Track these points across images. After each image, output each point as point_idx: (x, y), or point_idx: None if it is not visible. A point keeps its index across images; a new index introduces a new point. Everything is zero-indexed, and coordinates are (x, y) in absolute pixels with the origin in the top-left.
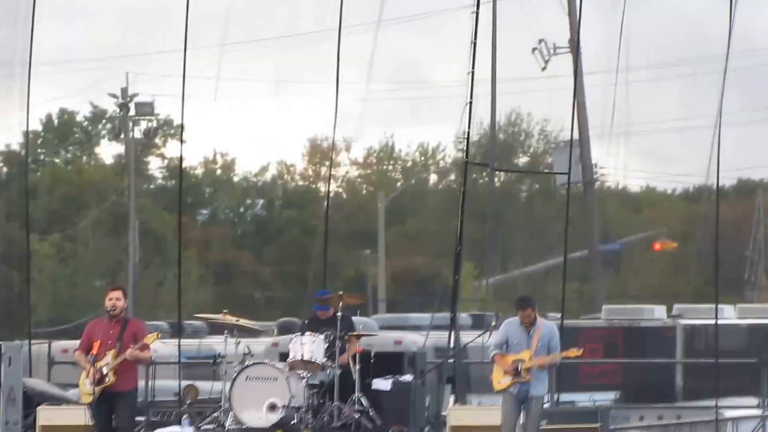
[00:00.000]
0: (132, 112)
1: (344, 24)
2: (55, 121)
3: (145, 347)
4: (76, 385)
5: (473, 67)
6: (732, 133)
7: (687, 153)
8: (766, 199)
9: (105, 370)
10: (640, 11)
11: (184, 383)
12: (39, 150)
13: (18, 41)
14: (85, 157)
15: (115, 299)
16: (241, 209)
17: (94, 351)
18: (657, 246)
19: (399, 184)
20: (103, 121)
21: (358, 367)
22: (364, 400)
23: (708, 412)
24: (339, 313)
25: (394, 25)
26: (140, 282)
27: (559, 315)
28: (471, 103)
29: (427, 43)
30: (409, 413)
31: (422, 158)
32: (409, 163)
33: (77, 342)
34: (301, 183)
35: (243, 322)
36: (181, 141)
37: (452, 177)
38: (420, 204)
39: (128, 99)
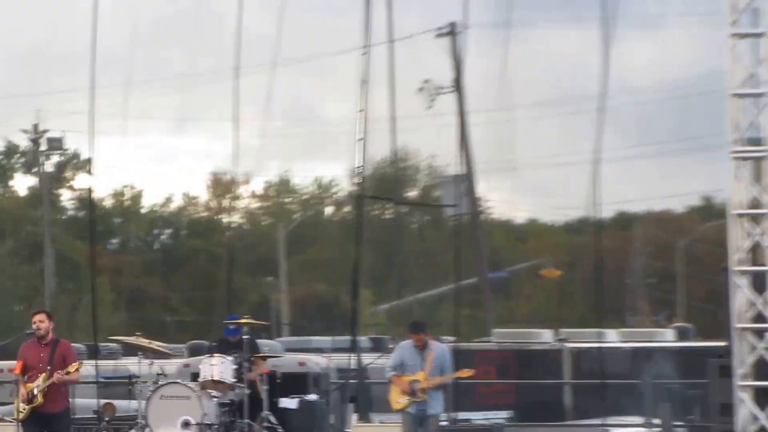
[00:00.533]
0: (43, 146)
1: (242, 64)
2: None
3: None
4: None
5: (365, 106)
6: (610, 168)
7: (568, 187)
8: (643, 231)
9: (35, 391)
10: (520, 52)
11: (102, 401)
12: None
13: None
14: (0, 189)
15: (38, 321)
16: (149, 238)
17: (20, 372)
18: (543, 274)
19: (297, 215)
20: (17, 155)
21: (266, 387)
22: (272, 418)
23: (595, 430)
24: (246, 337)
25: (290, 65)
26: (56, 306)
27: (452, 338)
28: (363, 139)
29: (321, 82)
30: (314, 430)
31: (318, 191)
32: (306, 196)
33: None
34: (204, 214)
35: (155, 344)
36: (90, 173)
37: (347, 209)
38: (318, 234)
39: (39, 134)
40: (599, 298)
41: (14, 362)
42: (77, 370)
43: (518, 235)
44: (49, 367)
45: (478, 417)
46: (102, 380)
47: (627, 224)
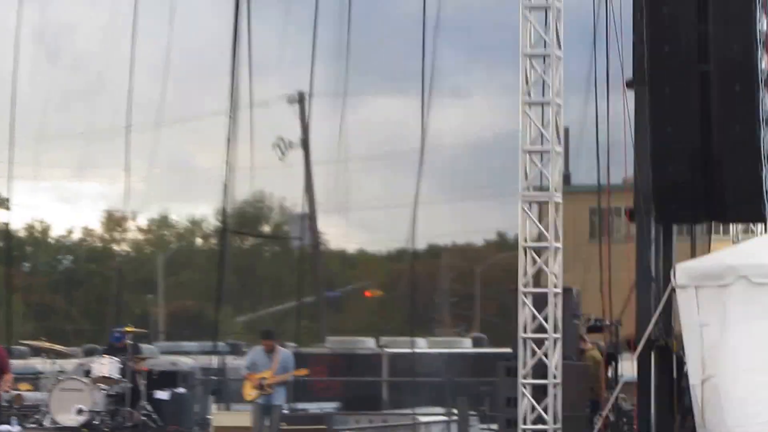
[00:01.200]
0: None
1: (133, 122)
2: None
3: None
4: None
5: (230, 158)
6: (425, 209)
7: (391, 224)
8: (450, 260)
9: None
10: (355, 115)
11: (13, 393)
12: None
13: None
14: None
15: None
16: (54, 263)
17: None
18: (368, 293)
19: (173, 245)
20: None
21: (144, 382)
22: (148, 407)
23: (407, 418)
24: (129, 342)
25: (171, 124)
26: None
27: (294, 344)
28: (227, 185)
29: (196, 138)
30: (182, 417)
31: (191, 226)
32: (181, 230)
33: None
34: (99, 244)
35: (56, 347)
36: (8, 209)
37: (213, 240)
38: (190, 260)
39: None
40: (412, 312)
41: None
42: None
43: (349, 263)
44: None
45: (312, 407)
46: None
47: (437, 254)
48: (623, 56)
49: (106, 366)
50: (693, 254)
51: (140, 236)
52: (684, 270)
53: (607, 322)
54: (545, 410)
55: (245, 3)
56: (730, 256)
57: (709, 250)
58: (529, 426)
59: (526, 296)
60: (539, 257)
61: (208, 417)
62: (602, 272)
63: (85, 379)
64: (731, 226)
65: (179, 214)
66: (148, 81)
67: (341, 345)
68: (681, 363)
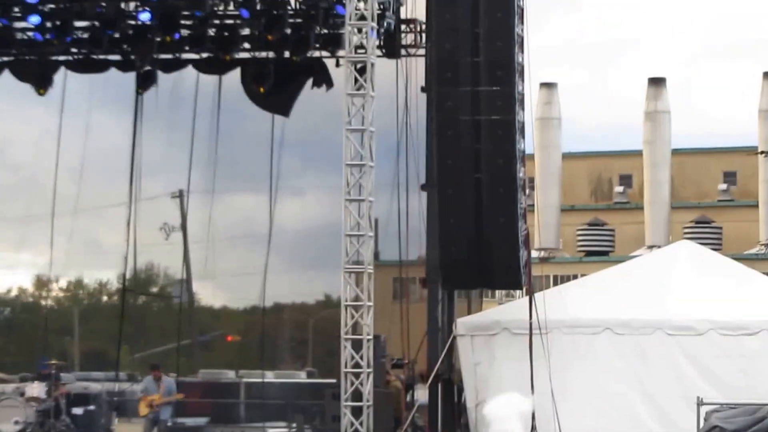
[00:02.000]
0: None
1: (56, 211)
2: None
3: None
4: None
5: (127, 237)
6: (271, 277)
7: (248, 287)
8: (289, 314)
9: None
10: (222, 206)
11: None
12: None
13: None
14: None
15: None
16: None
17: None
18: (229, 338)
19: (85, 301)
20: None
21: (64, 401)
22: (67, 420)
23: (258, 430)
24: (53, 371)
25: (84, 211)
26: None
27: (174, 375)
28: (126, 257)
29: (103, 222)
30: (93, 428)
31: (99, 287)
32: (91, 290)
33: None
34: (30, 299)
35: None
36: None
37: (116, 298)
38: (98, 312)
39: None
40: (262, 352)
41: None
42: None
43: (215, 316)
44: None
45: (189, 421)
46: None
47: (280, 310)
48: (419, 166)
49: (36, 388)
50: (469, 311)
51: (61, 294)
52: (462, 323)
53: (406, 361)
54: (361, 425)
55: (140, 120)
56: (496, 313)
57: (480, 309)
58: None
59: (346, 341)
60: (356, 312)
61: (112, 428)
62: (402, 324)
63: (19, 399)
64: (497, 292)
65: (90, 279)
66: (68, 179)
67: (210, 375)
68: (460, 391)
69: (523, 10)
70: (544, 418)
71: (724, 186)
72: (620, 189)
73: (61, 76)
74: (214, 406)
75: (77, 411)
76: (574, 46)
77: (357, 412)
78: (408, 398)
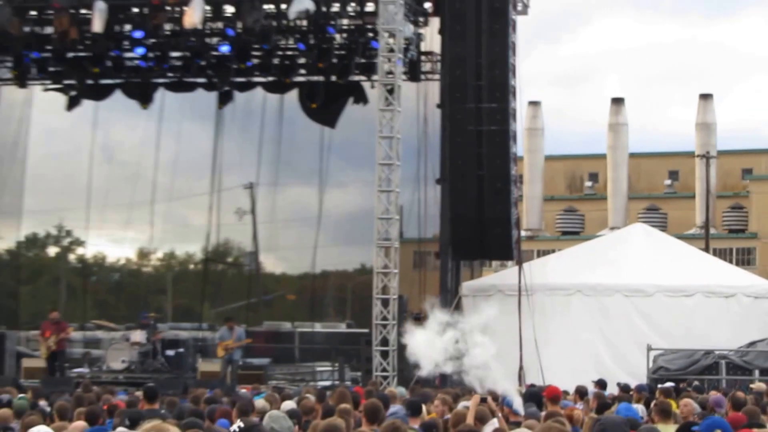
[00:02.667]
0: None
1: (156, 198)
2: None
3: None
4: None
5: (209, 219)
6: (320, 251)
7: (302, 258)
8: (334, 279)
9: None
10: (282, 195)
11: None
12: None
13: None
14: None
15: None
16: (109, 277)
17: None
18: (288, 297)
19: (177, 268)
20: None
21: (160, 345)
22: (162, 360)
23: (309, 367)
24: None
25: (177, 199)
26: None
27: (245, 325)
28: (209, 234)
29: (191, 207)
30: (182, 366)
31: (187, 257)
32: (181, 260)
33: None
34: (134, 267)
35: (110, 324)
36: (84, 246)
37: (200, 266)
38: (186, 277)
39: None
40: (312, 308)
41: None
42: None
43: (277, 280)
44: None
45: (255, 361)
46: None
47: (327, 276)
48: (434, 165)
49: (138, 335)
50: (472, 277)
51: (158, 263)
52: (466, 286)
53: (423, 315)
54: (387, 364)
55: (220, 129)
56: (492, 279)
57: (480, 275)
58: (379, 373)
59: (377, 300)
60: (385, 278)
61: (197, 366)
62: (420, 287)
63: (125, 343)
64: (494, 262)
65: (180, 251)
66: (163, 174)
67: (272, 326)
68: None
69: (515, 44)
70: (530, 361)
71: (668, 182)
72: (589, 184)
73: (160, 94)
74: (275, 350)
75: (170, 353)
76: (554, 72)
77: (385, 354)
78: None
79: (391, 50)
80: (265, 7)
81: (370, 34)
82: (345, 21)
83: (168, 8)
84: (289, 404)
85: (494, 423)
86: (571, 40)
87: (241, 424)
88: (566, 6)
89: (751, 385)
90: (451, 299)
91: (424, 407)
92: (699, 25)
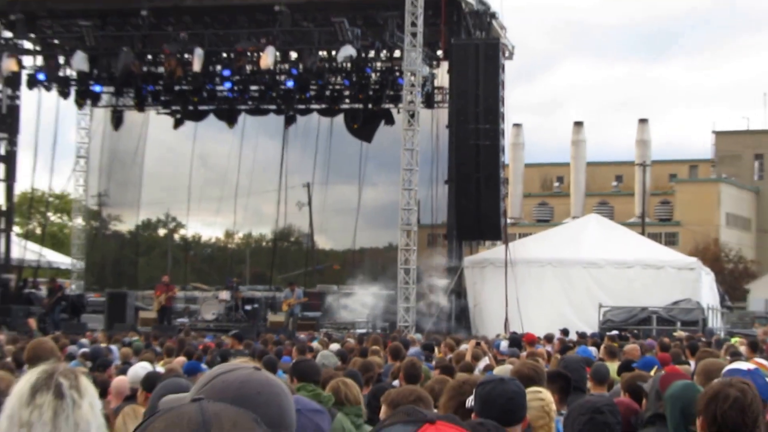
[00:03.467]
0: None
1: (237, 194)
2: None
3: None
4: None
5: (278, 208)
6: (359, 232)
7: (345, 238)
8: (369, 255)
9: None
10: (331, 192)
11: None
12: None
13: None
14: None
15: None
16: (203, 252)
17: None
18: (335, 267)
19: (253, 245)
20: None
21: (240, 301)
22: (242, 313)
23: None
24: (234, 284)
25: (253, 195)
26: None
27: (303, 287)
28: (277, 220)
29: (265, 202)
30: (256, 317)
31: (261, 237)
32: (257, 239)
33: None
34: (222, 245)
35: (203, 286)
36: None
37: (270, 245)
38: (260, 251)
39: None
40: (353, 275)
41: None
42: None
43: (326, 255)
44: None
45: (310, 314)
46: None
47: (363, 252)
48: (444, 170)
49: (224, 294)
50: (471, 253)
51: (239, 241)
52: (467, 260)
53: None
54: (409, 317)
55: (286, 143)
56: (486, 254)
57: (477, 251)
58: (402, 324)
59: (401, 269)
60: (407, 253)
61: (267, 317)
62: (432, 260)
63: (215, 300)
64: (487, 242)
65: (255, 233)
66: (244, 176)
67: (322, 288)
68: (465, 297)
69: (503, 81)
70: (513, 315)
71: (615, 183)
72: (557, 184)
73: (242, 117)
74: (325, 306)
75: (247, 307)
76: (532, 102)
77: (406, 310)
78: None
79: (413, 85)
80: (320, 53)
81: (397, 73)
82: (378, 64)
83: (248, 54)
84: (335, 346)
85: (486, 360)
86: (544, 78)
87: (299, 359)
88: (541, 52)
89: (675, 333)
90: (456, 271)
91: (436, 349)
92: (639, 66)
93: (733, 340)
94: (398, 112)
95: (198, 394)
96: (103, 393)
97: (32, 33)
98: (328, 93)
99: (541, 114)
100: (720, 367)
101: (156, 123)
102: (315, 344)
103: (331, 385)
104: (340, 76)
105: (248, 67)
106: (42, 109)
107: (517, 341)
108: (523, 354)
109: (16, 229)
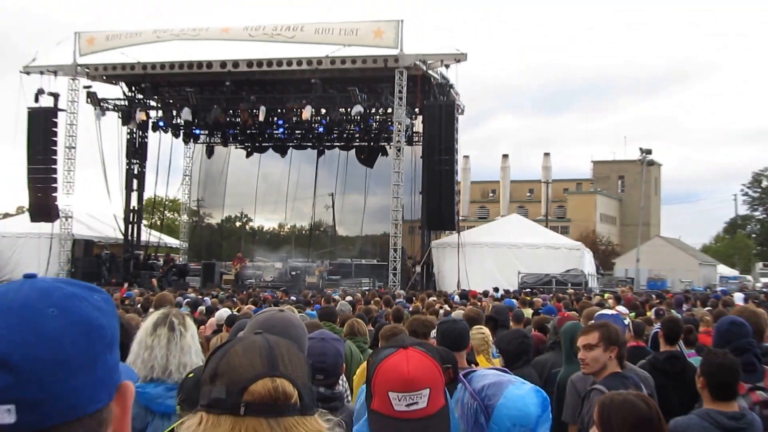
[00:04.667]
0: None
1: (288, 199)
2: None
3: None
4: None
5: (313, 210)
6: (366, 226)
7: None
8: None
9: None
10: (347, 199)
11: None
12: None
13: None
14: None
15: None
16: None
17: None
18: (349, 248)
19: (296, 233)
20: None
21: (289, 267)
22: (291, 276)
23: (357, 281)
24: (285, 258)
25: (298, 200)
26: None
27: (328, 260)
28: (312, 215)
29: (306, 206)
30: (300, 280)
31: (296, 227)
32: (290, 229)
33: None
34: (269, 236)
35: (261, 260)
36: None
37: (307, 233)
38: (291, 239)
39: None
40: (360, 252)
41: None
42: None
43: (343, 239)
44: None
45: (332, 276)
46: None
47: (367, 238)
48: (419, 184)
49: (279, 265)
50: (437, 239)
51: (287, 230)
52: (434, 243)
53: (413, 257)
54: (396, 280)
55: (319, 168)
56: (445, 239)
57: (439, 238)
58: (391, 284)
59: (392, 249)
60: (395, 238)
61: (305, 279)
62: (411, 243)
63: (273, 268)
64: (447, 231)
65: (298, 224)
66: (292, 187)
67: (342, 260)
68: (432, 269)
69: (457, 128)
70: (463, 279)
71: (529, 194)
72: (492, 195)
73: (290, 151)
74: (343, 271)
75: (293, 273)
76: (476, 141)
77: (395, 275)
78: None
79: (399, 131)
80: (340, 110)
81: (389, 123)
82: (377, 117)
83: (294, 110)
84: (349, 297)
85: (445, 307)
86: (484, 125)
87: (325, 305)
88: (482, 108)
89: (567, 291)
90: (426, 250)
91: (414, 300)
92: (546, 117)
93: (606, 296)
94: (390, 148)
95: (256, 329)
96: (199, 327)
97: (156, 95)
98: (345, 135)
99: (481, 149)
100: (594, 312)
101: (234, 154)
102: (336, 296)
103: (348, 323)
104: (353, 125)
105: (294, 119)
106: (161, 145)
107: (465, 295)
108: (469, 304)
109: (144, 221)
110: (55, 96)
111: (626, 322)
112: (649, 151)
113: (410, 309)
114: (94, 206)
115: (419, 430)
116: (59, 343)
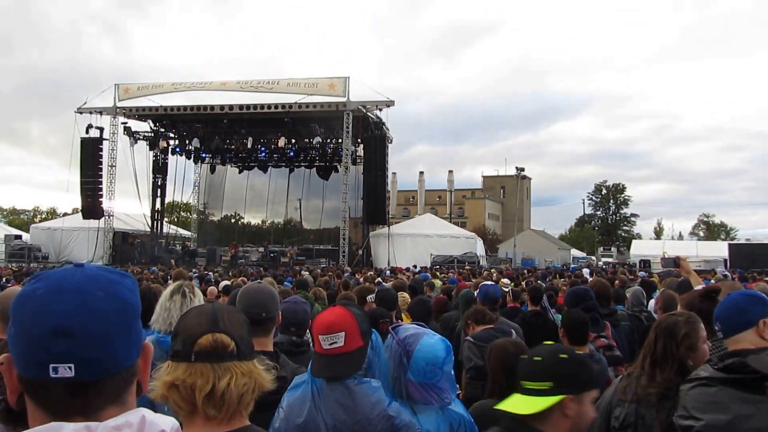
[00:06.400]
0: None
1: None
2: None
3: None
4: None
5: (301, 216)
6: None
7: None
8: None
9: None
10: (308, 203)
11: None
12: None
13: None
14: None
15: None
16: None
17: None
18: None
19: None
20: None
21: (269, 252)
22: (269, 257)
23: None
24: (266, 245)
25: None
26: None
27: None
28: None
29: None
30: (276, 260)
31: (283, 227)
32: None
33: None
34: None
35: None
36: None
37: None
38: (290, 236)
39: None
40: (320, 239)
41: None
42: None
43: (308, 231)
44: None
45: (300, 257)
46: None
47: (322, 231)
48: (361, 192)
49: (261, 249)
50: (373, 230)
51: (269, 224)
52: (372, 234)
53: (359, 245)
54: (345, 259)
55: (291, 181)
56: (380, 231)
57: (375, 230)
58: (342, 263)
59: (341, 238)
60: (344, 230)
61: (281, 259)
62: (356, 234)
63: (258, 252)
64: (380, 225)
65: (277, 220)
66: (272, 195)
67: (306, 246)
68: (371, 251)
69: (388, 153)
70: (392, 260)
71: (437, 199)
72: (412, 200)
73: (270, 169)
74: (306, 254)
75: (272, 255)
76: (400, 162)
77: (344, 255)
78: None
79: (347, 155)
80: (305, 140)
81: (340, 150)
82: (332, 145)
83: (273, 139)
84: (312, 272)
85: (379, 279)
86: (407, 150)
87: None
88: (405, 138)
89: (465, 267)
90: (365, 239)
91: (357, 274)
92: (449, 144)
93: (492, 271)
94: (340, 167)
95: (242, 295)
96: (204, 295)
97: (174, 129)
98: (308, 158)
99: (405, 167)
100: (482, 281)
101: (230, 171)
102: (304, 273)
103: (312, 291)
104: (314, 150)
105: (272, 146)
106: (177, 164)
107: (394, 271)
108: (396, 277)
109: (165, 219)
110: (101, 129)
111: (506, 290)
112: (522, 169)
113: (355, 280)
114: (129, 208)
115: (339, 363)
116: (106, 317)
